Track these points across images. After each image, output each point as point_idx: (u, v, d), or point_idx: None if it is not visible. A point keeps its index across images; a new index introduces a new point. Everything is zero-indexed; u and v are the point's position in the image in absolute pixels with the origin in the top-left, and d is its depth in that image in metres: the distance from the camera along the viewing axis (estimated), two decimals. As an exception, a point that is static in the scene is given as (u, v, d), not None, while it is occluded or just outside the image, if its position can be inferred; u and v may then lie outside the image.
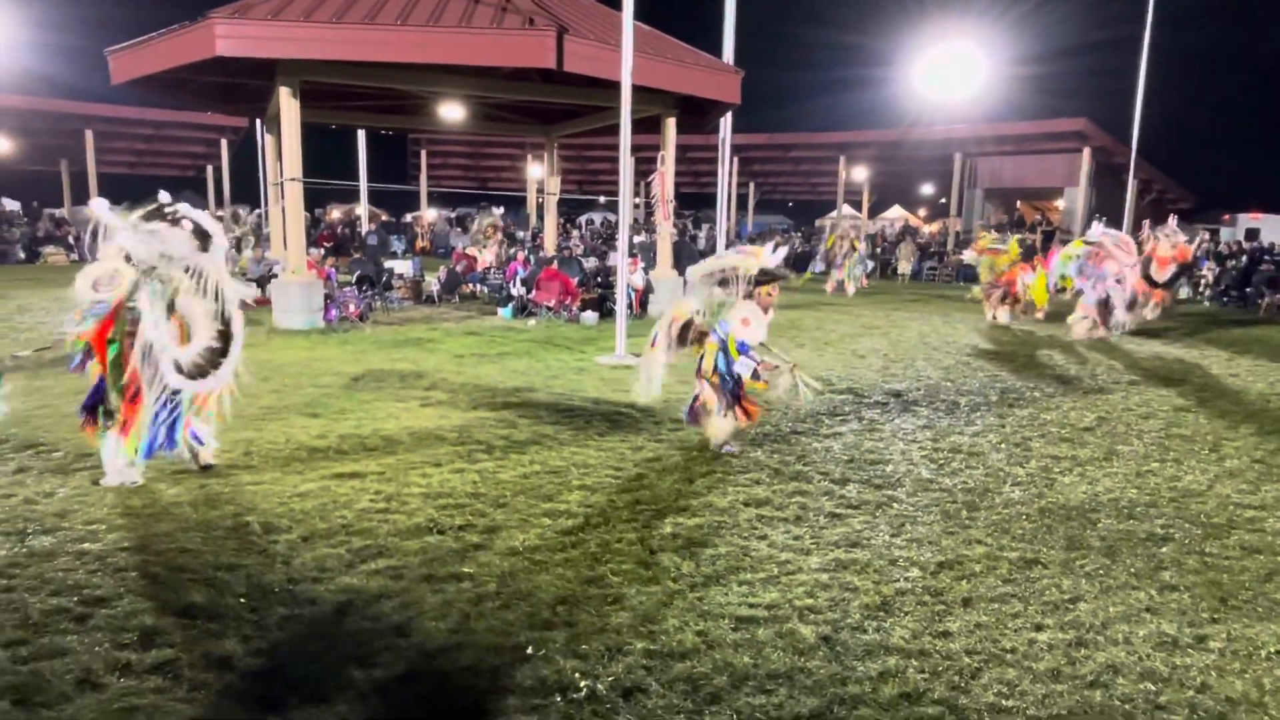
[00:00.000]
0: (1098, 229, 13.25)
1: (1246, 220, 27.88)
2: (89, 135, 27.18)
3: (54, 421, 6.33)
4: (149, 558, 4.04)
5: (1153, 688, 3.14)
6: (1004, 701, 3.02)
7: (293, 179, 12.28)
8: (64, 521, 4.46)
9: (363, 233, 26.62)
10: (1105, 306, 12.55)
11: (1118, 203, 23.49)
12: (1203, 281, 20.33)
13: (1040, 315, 14.59)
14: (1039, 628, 3.57)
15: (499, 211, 20.48)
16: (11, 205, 29.36)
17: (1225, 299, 19.13)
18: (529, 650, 3.29)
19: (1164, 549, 4.46)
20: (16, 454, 5.61)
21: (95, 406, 5.03)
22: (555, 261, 15.72)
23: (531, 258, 16.89)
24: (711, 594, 3.80)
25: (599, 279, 15.31)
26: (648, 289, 14.32)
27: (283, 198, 13.54)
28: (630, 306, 11.72)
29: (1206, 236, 24.34)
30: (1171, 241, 13.61)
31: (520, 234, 25.44)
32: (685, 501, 5.01)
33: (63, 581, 3.77)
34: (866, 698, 3.03)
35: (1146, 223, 16.18)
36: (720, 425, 5.95)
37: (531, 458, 5.82)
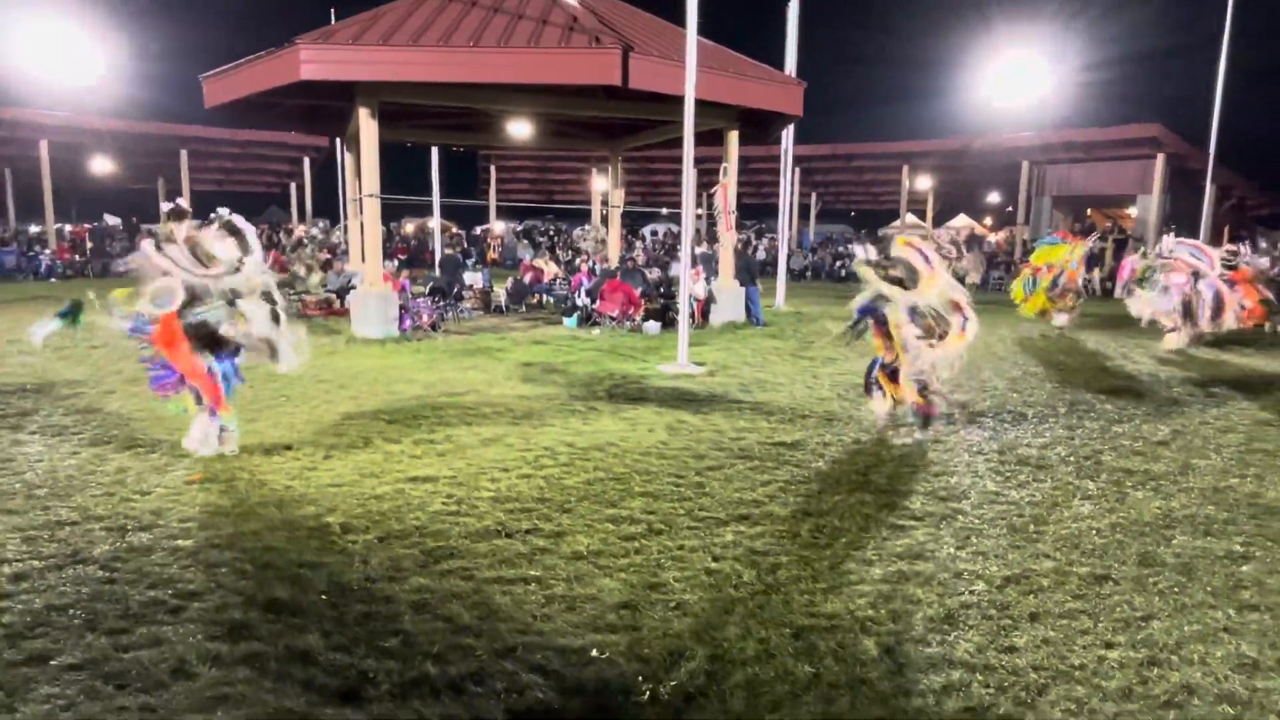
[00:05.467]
0: (1169, 242, 12.65)
1: None
2: (184, 155, 28.50)
3: (151, 424, 6.66)
4: (237, 554, 4.22)
5: (1231, 711, 3.00)
6: (1072, 719, 2.93)
7: (371, 195, 12.66)
8: (160, 519, 4.69)
9: (434, 245, 27.28)
10: (1187, 312, 11.93)
11: (1194, 209, 22.52)
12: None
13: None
14: (1109, 645, 3.45)
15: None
16: (113, 221, 30.95)
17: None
18: (593, 653, 3.33)
19: (1244, 567, 4.26)
20: (117, 454, 5.92)
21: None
22: (619, 272, 15.83)
23: (596, 269, 17.06)
24: (773, 603, 3.78)
25: (662, 289, 15.36)
26: (710, 299, 14.28)
27: (361, 213, 13.96)
28: (692, 316, 11.71)
29: None
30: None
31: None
32: (747, 510, 4.99)
33: (159, 575, 3.96)
34: (930, 711, 2.97)
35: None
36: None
37: (595, 464, 5.88)
